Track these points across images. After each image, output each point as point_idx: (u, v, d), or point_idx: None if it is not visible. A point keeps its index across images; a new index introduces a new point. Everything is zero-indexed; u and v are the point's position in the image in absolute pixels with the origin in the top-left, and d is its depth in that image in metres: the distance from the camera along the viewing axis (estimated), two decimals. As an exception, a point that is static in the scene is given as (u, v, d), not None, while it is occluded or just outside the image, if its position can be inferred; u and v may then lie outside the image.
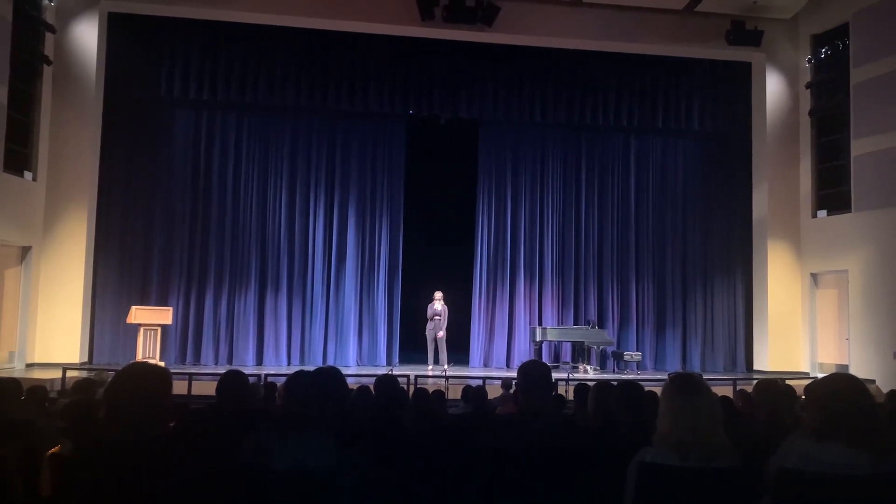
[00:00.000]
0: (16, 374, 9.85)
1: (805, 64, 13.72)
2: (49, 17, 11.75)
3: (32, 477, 3.14)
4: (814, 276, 13.53)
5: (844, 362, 12.49)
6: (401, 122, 13.81)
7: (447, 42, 13.07)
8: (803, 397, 3.95)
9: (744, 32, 13.21)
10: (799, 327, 13.55)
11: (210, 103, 13.04)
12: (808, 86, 13.70)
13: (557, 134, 14.24)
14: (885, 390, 7.73)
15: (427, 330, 12.61)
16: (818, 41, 13.60)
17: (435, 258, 13.94)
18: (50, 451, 3.17)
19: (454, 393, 8.83)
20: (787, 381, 5.07)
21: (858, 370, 11.65)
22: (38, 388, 5.42)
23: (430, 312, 12.60)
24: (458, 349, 13.29)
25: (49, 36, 11.76)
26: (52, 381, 9.22)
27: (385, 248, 13.60)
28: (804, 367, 13.28)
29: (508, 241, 13.95)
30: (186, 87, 12.67)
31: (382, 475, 2.86)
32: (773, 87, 13.85)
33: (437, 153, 13.94)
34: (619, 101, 13.88)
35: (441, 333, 12.49)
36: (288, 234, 13.27)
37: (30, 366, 11.26)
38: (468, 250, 14.01)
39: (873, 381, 11.21)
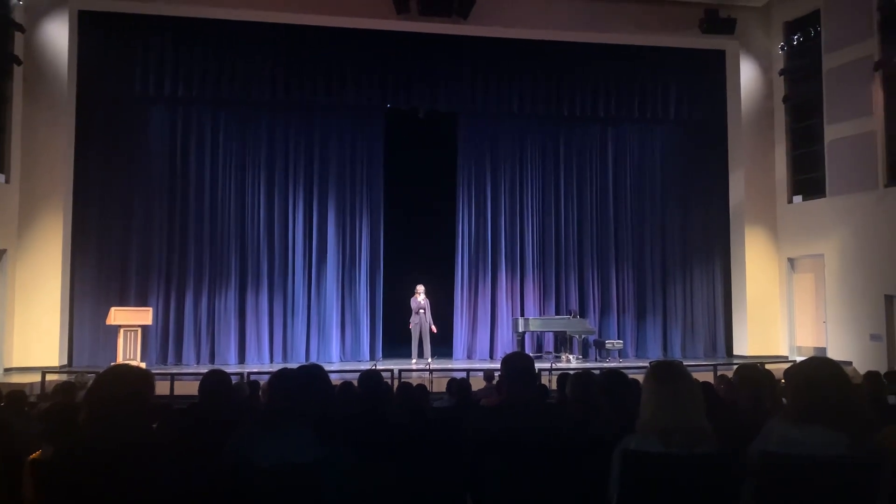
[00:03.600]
0: (-6, 379, 9.74)
1: (778, 51, 13.85)
2: (18, 17, 11.55)
3: (13, 483, 3.10)
4: (791, 260, 13.70)
5: (822, 345, 12.68)
6: (379, 116, 13.75)
7: (424, 35, 13.04)
8: (783, 381, 4.00)
9: (717, 21, 13.30)
10: (777, 312, 13.72)
11: (185, 100, 12.90)
12: (781, 73, 13.84)
13: (536, 125, 14.27)
14: (861, 371, 7.85)
15: (412, 324, 12.50)
16: (790, 28, 13.73)
17: (416, 251, 13.92)
18: (31, 457, 3.14)
19: (439, 386, 8.87)
20: (767, 366, 5.15)
21: (836, 353, 11.83)
22: (17, 393, 5.35)
23: (414, 306, 12.53)
24: (442, 342, 13.29)
25: (18, 35, 11.56)
26: (31, 384, 9.12)
27: (366, 243, 13.55)
28: (783, 352, 13.46)
29: (489, 233, 13.98)
30: (161, 85, 12.52)
31: (367, 469, 2.87)
32: (747, 75, 13.97)
33: (417, 146, 13.92)
34: (595, 91, 13.95)
35: (434, 329, 12.48)
36: (267, 231, 13.18)
37: (8, 370, 11.12)
38: (449, 243, 14.02)
39: (850, 363, 11.39)
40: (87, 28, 12.22)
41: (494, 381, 7.24)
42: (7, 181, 11.35)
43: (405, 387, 5.54)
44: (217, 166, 13.07)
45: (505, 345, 13.49)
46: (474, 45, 13.34)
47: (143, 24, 12.40)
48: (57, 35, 11.86)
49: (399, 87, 13.33)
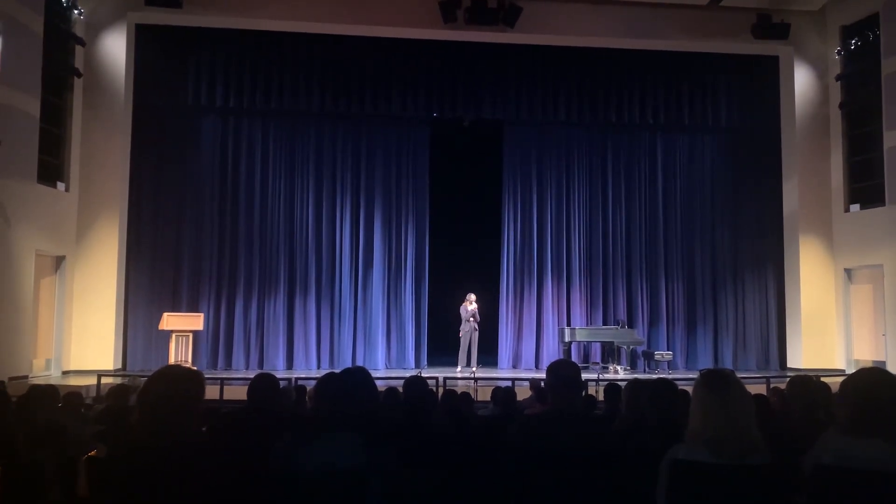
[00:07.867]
0: (52, 381, 10.02)
1: (834, 56, 13.48)
2: (79, 31, 11.97)
3: (69, 480, 3.19)
4: (847, 271, 13.29)
5: (881, 358, 12.24)
6: (425, 125, 13.82)
7: (470, 44, 13.08)
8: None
9: (770, 26, 13.02)
10: (833, 324, 13.31)
11: (236, 110, 13.18)
12: (837, 78, 13.46)
13: (582, 133, 14.15)
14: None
15: (462, 332, 12.51)
16: (847, 32, 13.35)
17: (462, 260, 13.93)
18: (86, 456, 3.22)
19: (483, 394, 8.83)
20: (823, 379, 4.99)
21: (896, 366, 11.42)
22: (74, 395, 5.50)
23: (464, 314, 12.54)
24: (487, 351, 13.26)
25: (79, 49, 11.98)
26: (87, 387, 9.36)
27: (412, 251, 13.62)
28: (840, 365, 13.04)
29: (535, 242, 13.89)
30: (213, 95, 12.83)
31: (411, 475, 2.87)
32: (802, 81, 13.63)
33: (462, 155, 13.95)
34: (644, 98, 13.77)
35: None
36: (315, 238, 13.35)
37: (66, 373, 11.48)
38: (495, 251, 13.98)
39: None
40: (144, 41, 12.59)
41: (542, 384, 7.17)
42: (66, 189, 11.73)
43: (450, 394, 5.54)
44: (266, 175, 13.30)
45: (551, 354, 13.36)
46: (519, 53, 13.33)
47: (197, 37, 12.73)
48: (115, 48, 12.25)
49: (444, 96, 13.39)
